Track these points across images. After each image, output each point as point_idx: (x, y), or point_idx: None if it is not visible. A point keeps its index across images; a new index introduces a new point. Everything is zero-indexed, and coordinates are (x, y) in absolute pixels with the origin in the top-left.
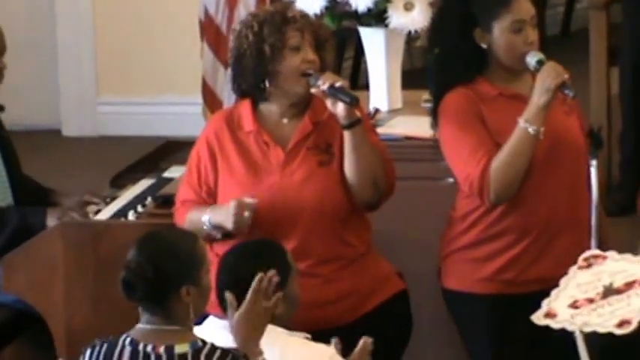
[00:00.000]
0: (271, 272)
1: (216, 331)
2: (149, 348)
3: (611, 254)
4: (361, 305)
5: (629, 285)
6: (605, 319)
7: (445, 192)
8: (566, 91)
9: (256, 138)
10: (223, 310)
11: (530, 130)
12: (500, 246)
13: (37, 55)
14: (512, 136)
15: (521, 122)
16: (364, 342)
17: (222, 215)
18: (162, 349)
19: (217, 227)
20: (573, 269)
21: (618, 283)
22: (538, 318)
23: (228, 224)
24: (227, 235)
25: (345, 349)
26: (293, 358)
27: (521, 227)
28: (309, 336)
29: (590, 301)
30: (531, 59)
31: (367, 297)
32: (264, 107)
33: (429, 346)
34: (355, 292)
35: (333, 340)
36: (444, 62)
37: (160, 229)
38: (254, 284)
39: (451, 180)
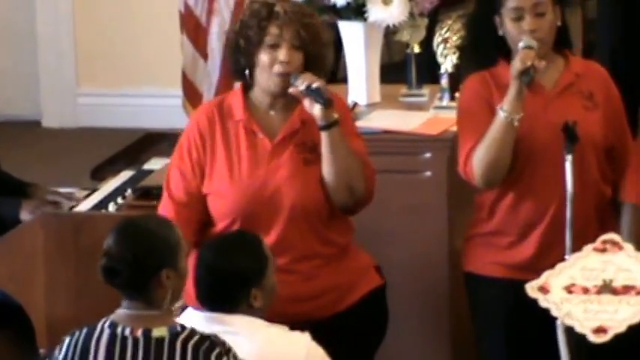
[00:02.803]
0: None
1: (196, 323)
2: (127, 331)
3: (628, 247)
4: (339, 301)
5: (627, 289)
6: (586, 318)
7: (423, 185)
8: (523, 78)
9: (245, 126)
10: (201, 304)
11: (503, 115)
12: (514, 233)
13: (16, 45)
14: (493, 122)
15: (499, 108)
16: None
17: None
18: (139, 333)
19: None
20: (588, 248)
21: (618, 282)
22: (532, 288)
23: None
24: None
25: (323, 345)
26: (273, 349)
27: (534, 215)
28: (286, 328)
29: (585, 290)
30: (521, 45)
31: (345, 293)
32: (254, 96)
33: (404, 338)
34: (333, 288)
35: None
36: (470, 46)
37: (135, 217)
38: None
39: (428, 173)
